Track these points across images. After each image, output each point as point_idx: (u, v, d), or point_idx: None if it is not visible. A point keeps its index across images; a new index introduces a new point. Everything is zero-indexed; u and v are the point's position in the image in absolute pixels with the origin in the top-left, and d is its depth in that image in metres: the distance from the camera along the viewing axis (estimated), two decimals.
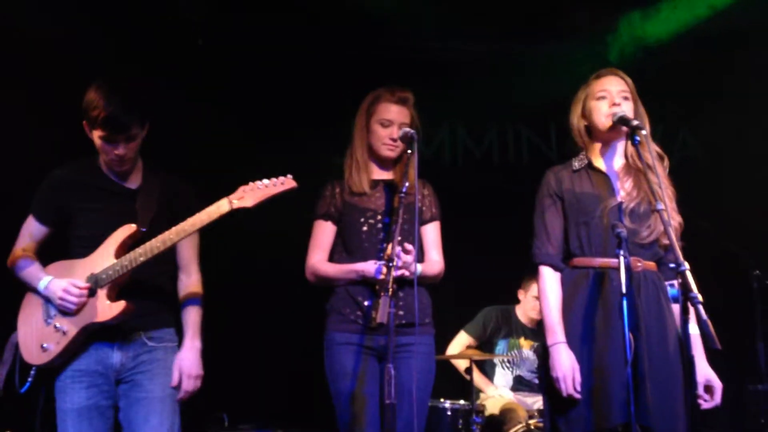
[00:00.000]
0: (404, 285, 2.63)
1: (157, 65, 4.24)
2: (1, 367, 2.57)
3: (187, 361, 2.57)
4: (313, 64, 4.70)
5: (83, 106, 2.49)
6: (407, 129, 2.68)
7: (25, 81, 3.95)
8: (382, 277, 2.56)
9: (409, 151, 2.62)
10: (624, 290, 2.25)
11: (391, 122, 2.76)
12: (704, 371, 2.45)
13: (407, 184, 2.57)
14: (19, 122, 3.90)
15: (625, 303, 2.25)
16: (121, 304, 2.47)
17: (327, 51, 4.72)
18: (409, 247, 2.60)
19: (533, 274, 4.28)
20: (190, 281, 2.68)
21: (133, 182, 2.62)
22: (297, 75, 4.67)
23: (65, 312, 2.51)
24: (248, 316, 4.48)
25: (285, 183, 2.43)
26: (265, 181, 2.43)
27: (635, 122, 2.45)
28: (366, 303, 2.66)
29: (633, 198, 2.54)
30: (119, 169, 2.58)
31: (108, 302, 2.48)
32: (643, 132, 2.43)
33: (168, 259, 2.65)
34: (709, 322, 2.03)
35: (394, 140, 2.74)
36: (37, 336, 2.53)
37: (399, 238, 2.62)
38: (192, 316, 2.64)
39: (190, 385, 2.56)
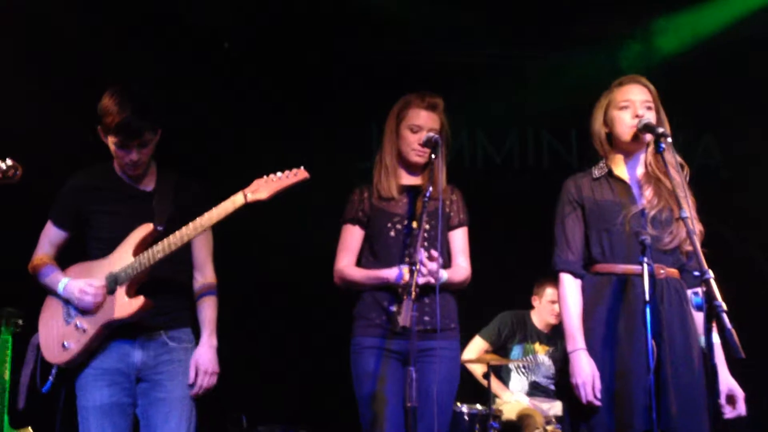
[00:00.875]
0: (430, 290, 2.63)
1: (183, 67, 4.28)
2: (23, 368, 2.62)
3: (204, 358, 2.61)
4: (336, 69, 4.73)
5: (98, 113, 2.56)
6: (431, 134, 2.69)
7: (50, 81, 4.01)
8: (404, 281, 2.58)
9: (433, 156, 2.64)
10: (647, 297, 2.25)
11: (421, 128, 2.76)
12: (726, 380, 2.45)
13: (431, 188, 2.58)
14: (44, 124, 3.95)
15: (648, 310, 2.25)
16: (139, 300, 2.51)
17: (348, 56, 4.74)
18: (434, 253, 2.60)
19: (544, 280, 4.37)
20: (205, 280, 2.72)
21: (148, 185, 2.68)
22: (320, 79, 4.70)
23: (85, 311, 2.55)
24: (267, 316, 4.50)
25: (298, 174, 2.46)
26: (279, 173, 2.46)
27: (660, 130, 2.45)
28: (391, 308, 2.67)
29: (654, 205, 2.54)
30: (133, 173, 2.64)
31: (127, 299, 2.52)
32: (669, 140, 2.43)
33: (185, 258, 2.69)
34: (734, 332, 2.02)
35: (423, 146, 2.74)
36: (58, 335, 2.58)
37: (425, 244, 2.64)
38: (208, 314, 2.68)
39: (206, 381, 2.59)
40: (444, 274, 2.69)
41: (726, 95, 4.73)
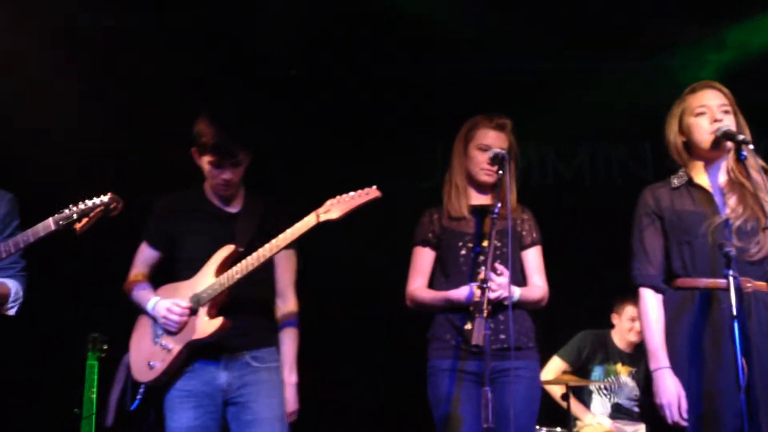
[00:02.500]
0: (504, 308, 2.60)
1: (252, 94, 4.40)
2: (113, 386, 2.69)
3: (287, 397, 2.64)
4: (399, 89, 4.76)
5: (193, 135, 2.66)
6: (497, 150, 2.68)
7: (129, 112, 4.18)
8: (475, 299, 2.55)
9: (500, 172, 2.62)
10: (735, 312, 2.16)
11: (489, 147, 2.76)
12: None
13: (499, 205, 2.56)
14: (116, 153, 4.12)
15: (736, 325, 2.15)
16: (218, 321, 2.55)
17: (410, 76, 4.77)
18: (500, 268, 2.58)
19: (625, 297, 4.23)
20: (287, 307, 2.75)
21: (235, 207, 2.74)
22: (383, 100, 4.72)
23: (169, 331, 2.61)
24: (345, 342, 4.51)
25: (370, 193, 2.47)
26: (351, 193, 2.49)
27: (741, 136, 2.36)
28: (466, 328, 2.63)
29: (739, 215, 2.43)
30: (225, 193, 2.71)
31: (207, 319, 2.57)
32: (750, 146, 2.33)
33: (268, 280, 2.73)
34: None
35: (491, 162, 2.73)
36: (146, 355, 2.64)
37: (498, 262, 2.61)
38: (289, 348, 2.71)
39: (287, 419, 2.63)
40: (516, 291, 2.65)
41: None
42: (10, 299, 2.64)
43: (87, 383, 3.68)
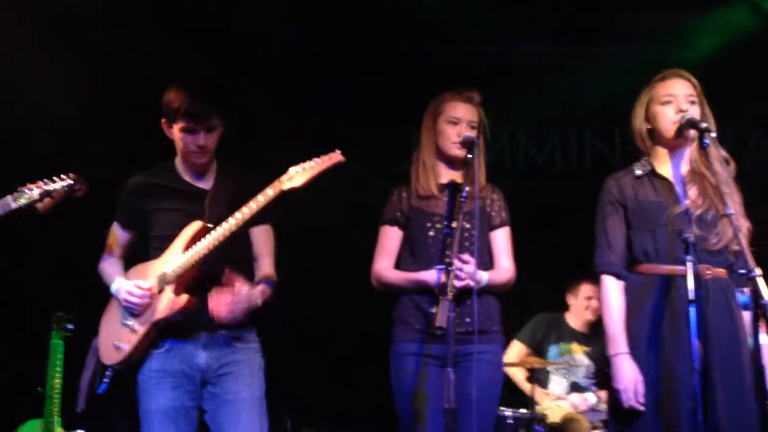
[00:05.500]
0: (471, 292, 2.59)
1: (219, 73, 4.35)
2: (84, 371, 2.62)
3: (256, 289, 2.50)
4: (374, 70, 4.73)
5: (163, 105, 2.56)
6: (467, 134, 2.67)
7: (103, 95, 4.11)
8: (441, 281, 2.54)
9: (470, 156, 2.60)
10: (691, 297, 2.20)
11: (460, 120, 2.74)
12: None
13: (467, 188, 2.56)
14: (85, 127, 4.05)
15: (692, 310, 2.19)
16: (183, 299, 2.47)
17: (387, 58, 4.74)
18: (465, 257, 2.57)
19: (580, 277, 4.27)
20: (263, 273, 2.64)
21: (207, 182, 2.65)
22: (356, 83, 4.70)
23: (133, 313, 2.54)
24: (311, 319, 4.52)
25: (332, 158, 2.36)
26: (316, 159, 2.38)
27: (704, 125, 2.39)
28: (430, 310, 2.62)
29: (699, 205, 2.47)
30: (199, 161, 2.60)
31: (172, 297, 2.48)
32: (713, 135, 2.37)
33: (246, 257, 2.64)
34: None
35: (462, 144, 2.70)
36: (114, 336, 2.57)
37: (465, 244, 2.61)
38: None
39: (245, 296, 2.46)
40: (484, 276, 2.65)
41: None
42: None
43: (51, 362, 3.63)
